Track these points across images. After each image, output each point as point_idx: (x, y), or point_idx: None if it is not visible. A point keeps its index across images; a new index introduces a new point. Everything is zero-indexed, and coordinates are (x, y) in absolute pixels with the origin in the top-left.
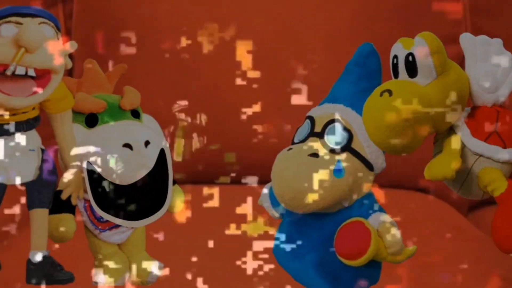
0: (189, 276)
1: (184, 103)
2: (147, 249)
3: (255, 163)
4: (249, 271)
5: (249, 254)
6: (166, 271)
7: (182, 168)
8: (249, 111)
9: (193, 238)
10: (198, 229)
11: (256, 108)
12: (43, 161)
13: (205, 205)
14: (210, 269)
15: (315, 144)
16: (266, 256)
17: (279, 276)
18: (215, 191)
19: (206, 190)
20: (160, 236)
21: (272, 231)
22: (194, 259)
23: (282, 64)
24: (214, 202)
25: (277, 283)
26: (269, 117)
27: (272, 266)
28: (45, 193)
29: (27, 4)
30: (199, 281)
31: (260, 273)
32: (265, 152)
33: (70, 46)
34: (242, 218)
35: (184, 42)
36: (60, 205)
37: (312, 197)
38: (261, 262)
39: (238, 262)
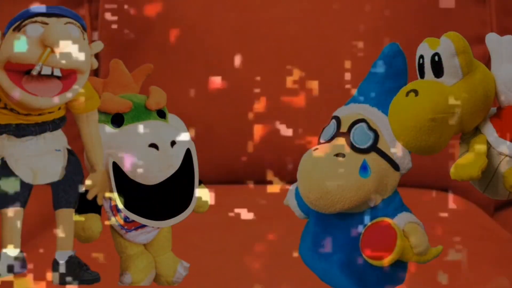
0: (214, 276)
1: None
2: (173, 249)
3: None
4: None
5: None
6: (192, 271)
7: (208, 168)
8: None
9: (221, 238)
10: (224, 229)
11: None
12: (69, 161)
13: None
14: (235, 269)
15: (341, 144)
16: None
17: (305, 276)
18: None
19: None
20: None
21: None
22: (221, 259)
23: (306, 65)
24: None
25: (303, 284)
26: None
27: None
28: (71, 193)
29: (53, 4)
30: (224, 281)
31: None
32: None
33: (96, 46)
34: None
35: (212, 41)
36: (86, 205)
37: (338, 197)
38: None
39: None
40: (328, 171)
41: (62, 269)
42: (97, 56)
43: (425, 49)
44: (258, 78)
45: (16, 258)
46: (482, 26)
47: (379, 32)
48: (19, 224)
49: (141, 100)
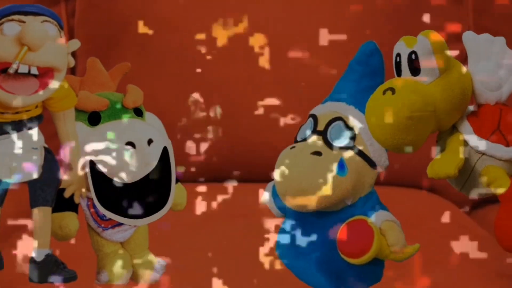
0: (191, 274)
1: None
2: (150, 247)
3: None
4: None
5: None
6: (169, 269)
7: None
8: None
9: (197, 235)
10: (202, 227)
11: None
12: (45, 159)
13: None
14: (213, 266)
15: (318, 143)
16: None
17: (282, 275)
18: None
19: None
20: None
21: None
22: (198, 256)
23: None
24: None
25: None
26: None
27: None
28: (48, 191)
29: (30, 2)
30: (202, 278)
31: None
32: (269, 150)
33: (72, 44)
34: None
35: (186, 40)
36: (63, 203)
37: (315, 196)
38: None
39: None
40: (305, 169)
41: (39, 267)
42: (74, 54)
43: (402, 48)
44: (235, 75)
45: None
46: (459, 24)
47: (356, 31)
48: None
49: (118, 98)
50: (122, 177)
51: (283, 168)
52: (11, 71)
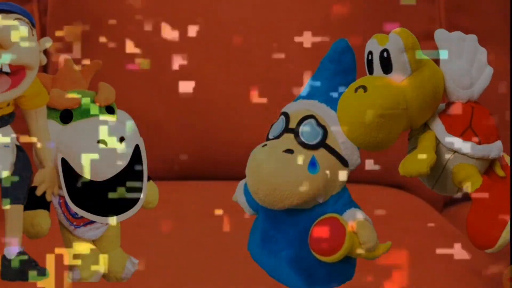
0: (163, 272)
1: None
2: (122, 245)
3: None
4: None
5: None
6: (141, 267)
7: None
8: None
9: (168, 234)
10: (173, 225)
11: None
12: (17, 157)
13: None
14: (185, 265)
15: (290, 140)
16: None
17: (254, 272)
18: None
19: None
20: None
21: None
22: (169, 255)
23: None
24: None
25: (252, 280)
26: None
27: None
28: (20, 189)
29: (1, 0)
30: (174, 277)
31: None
32: (241, 148)
33: (44, 42)
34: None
35: (160, 36)
36: (35, 201)
37: (286, 194)
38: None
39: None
40: (277, 167)
41: (11, 265)
42: (45, 52)
43: (373, 45)
44: (206, 73)
45: None
46: (431, 22)
47: (328, 28)
48: None
49: (90, 96)
50: (93, 175)
51: (254, 166)
52: None
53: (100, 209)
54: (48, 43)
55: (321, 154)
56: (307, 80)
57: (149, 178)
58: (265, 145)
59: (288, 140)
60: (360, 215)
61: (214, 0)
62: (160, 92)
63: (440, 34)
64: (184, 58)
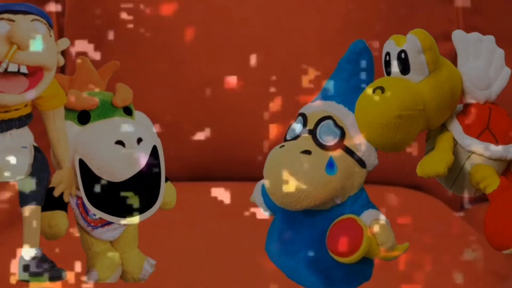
0: (181, 273)
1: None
2: (140, 246)
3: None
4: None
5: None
6: (158, 268)
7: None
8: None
9: (187, 235)
10: (191, 226)
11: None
12: (35, 158)
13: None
14: (202, 265)
15: (308, 141)
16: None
17: (272, 273)
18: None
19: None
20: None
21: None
22: (186, 255)
23: (274, 62)
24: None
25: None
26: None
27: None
28: (38, 190)
29: (19, 1)
30: (191, 277)
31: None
32: (258, 149)
33: (62, 43)
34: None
35: (177, 38)
36: (53, 202)
37: (304, 195)
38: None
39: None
40: (295, 168)
41: (28, 266)
42: (63, 53)
43: (391, 46)
44: (223, 74)
45: None
46: (449, 23)
47: (346, 29)
48: None
49: (108, 97)
50: (111, 176)
51: (272, 167)
52: (0, 70)
53: (117, 210)
54: (65, 44)
55: (339, 155)
56: (324, 81)
57: (166, 179)
58: (283, 146)
59: (306, 141)
60: (378, 216)
61: (232, 1)
62: (177, 93)
63: (457, 35)
64: (202, 59)
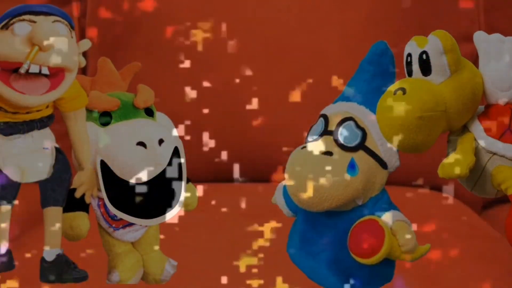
0: (202, 274)
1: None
2: (161, 247)
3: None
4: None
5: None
6: (180, 269)
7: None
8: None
9: (208, 236)
10: (212, 227)
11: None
12: (56, 159)
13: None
14: (223, 266)
15: (329, 142)
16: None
17: (293, 274)
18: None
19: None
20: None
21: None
22: (209, 257)
23: (295, 63)
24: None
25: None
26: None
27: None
28: (59, 191)
29: (41, 2)
30: (213, 279)
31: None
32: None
33: (83, 44)
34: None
35: (198, 39)
36: (74, 203)
37: (326, 196)
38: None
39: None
40: (316, 169)
41: (50, 267)
42: (85, 54)
43: (413, 47)
44: (247, 75)
45: (2, 255)
46: (470, 24)
47: (367, 30)
48: (7, 222)
49: (129, 98)
50: (133, 177)
51: (293, 168)
52: (22, 71)
53: (139, 211)
54: (87, 45)
55: (360, 156)
56: (346, 82)
57: (188, 180)
58: (304, 147)
59: (327, 142)
60: (399, 217)
61: (252, 1)
62: (199, 94)
63: (479, 36)
64: (224, 60)
